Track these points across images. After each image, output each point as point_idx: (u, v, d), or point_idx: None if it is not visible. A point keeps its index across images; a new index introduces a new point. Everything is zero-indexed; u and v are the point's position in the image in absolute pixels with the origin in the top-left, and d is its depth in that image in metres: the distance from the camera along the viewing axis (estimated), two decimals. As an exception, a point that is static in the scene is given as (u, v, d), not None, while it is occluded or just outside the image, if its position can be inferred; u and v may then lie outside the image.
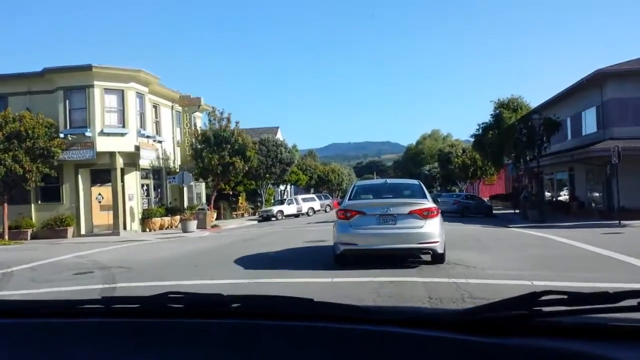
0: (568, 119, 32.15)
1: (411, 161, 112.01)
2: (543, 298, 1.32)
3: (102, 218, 27.81)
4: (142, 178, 29.91)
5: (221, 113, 32.45)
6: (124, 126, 27.46)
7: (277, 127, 64.56)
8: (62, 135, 26.26)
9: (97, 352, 1.43)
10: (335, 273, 9.94)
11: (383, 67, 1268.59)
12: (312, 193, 57.79)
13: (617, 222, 22.63)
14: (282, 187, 58.26)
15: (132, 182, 28.80)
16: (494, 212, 36.97)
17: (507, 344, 1.26)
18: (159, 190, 32.48)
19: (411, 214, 10.72)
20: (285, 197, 51.57)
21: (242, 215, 46.09)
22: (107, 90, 27.14)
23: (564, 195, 35.70)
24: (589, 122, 29.64)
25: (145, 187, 30.56)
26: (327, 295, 7.16)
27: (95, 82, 26.71)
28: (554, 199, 36.39)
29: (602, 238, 16.50)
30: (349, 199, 11.77)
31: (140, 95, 28.79)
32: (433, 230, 10.62)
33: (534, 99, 61.19)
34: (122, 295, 2.20)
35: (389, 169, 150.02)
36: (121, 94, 27.52)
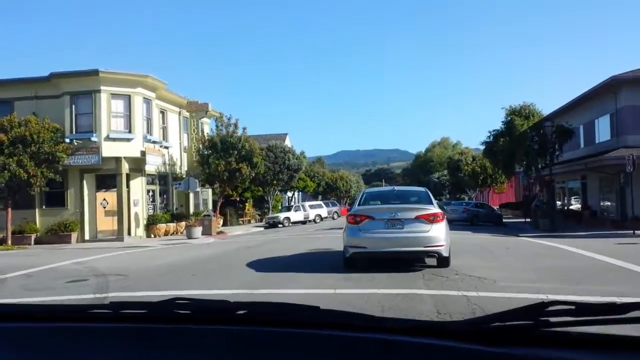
0: (581, 126, 31.58)
1: (420, 169, 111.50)
2: (551, 308, 1.31)
3: (107, 223, 27.53)
4: (147, 184, 29.66)
5: (228, 119, 32.19)
6: (130, 131, 27.23)
7: (286, 134, 64.33)
8: (67, 140, 26.06)
9: (105, 356, 1.44)
10: (338, 284, 9.53)
11: (393, 74, 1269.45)
12: (320, 200, 57.39)
13: (632, 232, 22.07)
14: (289, 194, 57.94)
15: (138, 188, 28.55)
16: (504, 220, 36.38)
17: (514, 354, 1.25)
18: (164, 196, 32.19)
19: (418, 219, 11.14)
20: (292, 203, 51.17)
21: (249, 221, 45.78)
22: (114, 96, 26.95)
23: (575, 204, 35.08)
24: (603, 130, 29.07)
25: (150, 193, 30.29)
26: (329, 307, 6.71)
27: (102, 87, 26.53)
28: (566, 208, 35.75)
29: (616, 248, 15.96)
30: (358, 205, 12.31)
31: (147, 101, 28.57)
32: (438, 234, 11.05)
33: (546, 107, 60.50)
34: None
35: (397, 176, 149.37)
36: (128, 99, 27.31)
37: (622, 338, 1.30)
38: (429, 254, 11.31)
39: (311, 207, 46.50)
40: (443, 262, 11.28)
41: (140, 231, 28.49)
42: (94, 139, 26.30)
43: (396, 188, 14.82)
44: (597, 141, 29.80)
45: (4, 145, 24.10)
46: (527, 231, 25.82)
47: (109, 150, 26.49)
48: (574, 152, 31.77)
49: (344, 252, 11.68)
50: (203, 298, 1.77)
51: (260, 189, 45.45)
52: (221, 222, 36.08)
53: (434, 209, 11.51)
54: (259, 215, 47.65)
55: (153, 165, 29.28)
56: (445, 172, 70.10)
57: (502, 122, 29.83)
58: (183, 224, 30.11)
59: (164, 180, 32.00)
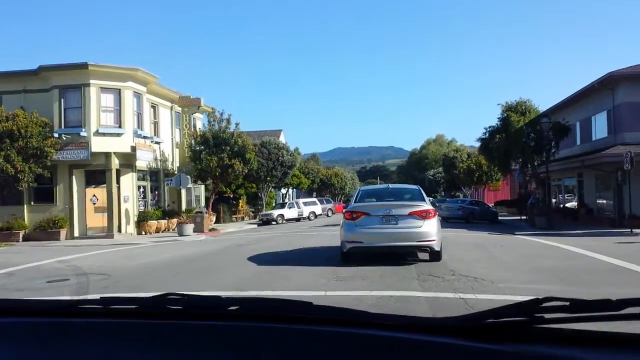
0: (577, 123, 31.26)
1: (415, 166, 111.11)
2: (545, 304, 1.30)
3: (97, 220, 27.02)
4: (138, 179, 29.14)
5: (221, 114, 31.69)
6: (120, 126, 26.71)
7: (280, 130, 63.89)
8: (56, 135, 25.55)
9: (95, 352, 1.42)
10: (330, 285, 9.10)
11: (388, 72, 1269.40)
12: (315, 197, 56.95)
13: (629, 230, 21.76)
14: (283, 191, 57.46)
15: (128, 184, 28.02)
16: (499, 218, 36.03)
17: (508, 351, 1.23)
18: (156, 192, 31.67)
19: (411, 215, 11.79)
20: (286, 200, 50.70)
21: (242, 218, 45.29)
22: (104, 89, 26.41)
23: (571, 202, 34.79)
24: (600, 127, 28.74)
25: (141, 189, 29.77)
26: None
27: (91, 81, 25.99)
28: (562, 206, 35.45)
29: (617, 248, 15.61)
30: (355, 202, 13.02)
31: (137, 95, 28.03)
32: (430, 229, 11.70)
33: (543, 103, 60.23)
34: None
35: (392, 173, 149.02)
36: (118, 93, 26.78)
37: (618, 335, 1.29)
38: (422, 248, 11.98)
39: (305, 204, 46.06)
40: (435, 255, 11.93)
41: (131, 228, 27.98)
42: (83, 133, 25.77)
43: (390, 186, 15.28)
44: (594, 138, 29.47)
45: (-10, 139, 23.57)
46: (524, 229, 25.48)
47: (98, 145, 25.97)
48: (570, 149, 31.45)
49: (341, 246, 12.21)
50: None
51: (254, 185, 44.98)
52: (214, 219, 35.56)
53: (426, 205, 12.17)
54: (252, 212, 47.17)
55: (144, 160, 28.74)
56: (440, 169, 69.71)
57: (498, 118, 29.44)
58: (175, 220, 29.59)
59: (156, 176, 31.47)
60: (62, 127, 25.95)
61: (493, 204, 47.51)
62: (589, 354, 1.22)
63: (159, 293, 1.72)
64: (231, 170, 30.35)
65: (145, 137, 28.67)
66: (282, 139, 57.04)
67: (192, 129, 33.46)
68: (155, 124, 31.55)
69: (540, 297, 1.34)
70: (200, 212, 30.27)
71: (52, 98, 26.11)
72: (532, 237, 20.56)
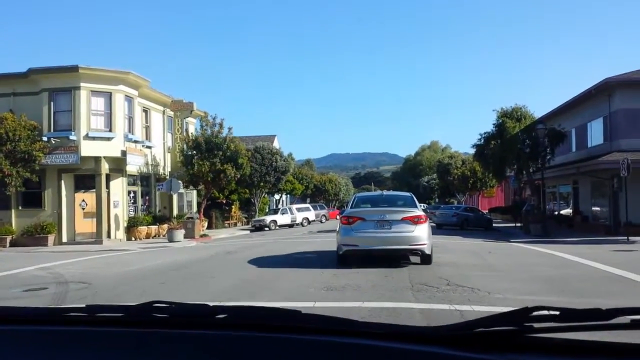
0: (573, 130, 31.04)
1: (409, 172, 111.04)
2: (535, 313, 1.30)
3: (86, 225, 26.55)
4: (129, 184, 28.67)
5: (213, 118, 31.24)
6: (110, 130, 26.28)
7: (274, 136, 63.57)
8: (45, 139, 25.10)
9: None
10: (319, 295, 8.71)
11: (383, 78, 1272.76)
12: (308, 203, 56.56)
13: (626, 238, 21.54)
14: (277, 197, 57.04)
15: (118, 189, 27.56)
16: (494, 225, 35.75)
17: None
18: (147, 197, 31.21)
19: (403, 220, 12.51)
20: (280, 206, 50.30)
21: (235, 224, 44.85)
22: (94, 93, 26.01)
23: (566, 209, 34.55)
24: (595, 134, 28.52)
25: (132, 194, 29.31)
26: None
27: (82, 84, 25.59)
28: (556, 213, 35.20)
29: (614, 256, 15.30)
30: (350, 207, 13.77)
31: (129, 99, 27.63)
32: (422, 234, 12.47)
33: (538, 110, 59.94)
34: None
35: (387, 180, 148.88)
36: (109, 96, 26.37)
37: (608, 344, 1.27)
38: (414, 252, 12.71)
39: (298, 210, 45.66)
40: (426, 259, 12.69)
41: (121, 234, 27.51)
42: (72, 137, 25.34)
43: (384, 193, 16.74)
44: (589, 145, 29.24)
45: (-23, 143, 23.13)
46: (519, 236, 25.19)
47: (88, 149, 25.53)
48: (566, 156, 31.22)
49: (338, 249, 12.96)
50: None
51: (247, 191, 44.57)
52: (206, 224, 35.12)
53: (418, 211, 12.99)
54: (245, 218, 46.75)
55: (134, 165, 28.33)
56: (435, 175, 69.58)
57: (494, 124, 29.17)
58: (166, 226, 29.13)
59: (147, 181, 31.03)
60: (52, 130, 25.52)
61: (487, 211, 47.30)
62: None
63: (145, 301, 1.67)
64: (223, 176, 29.90)
65: (136, 142, 28.26)
66: (276, 144, 56.69)
67: (185, 134, 33.02)
68: (147, 128, 31.14)
69: (529, 307, 1.32)
70: (192, 218, 29.87)
71: (41, 101, 25.69)
72: (528, 244, 20.26)
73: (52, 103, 25.73)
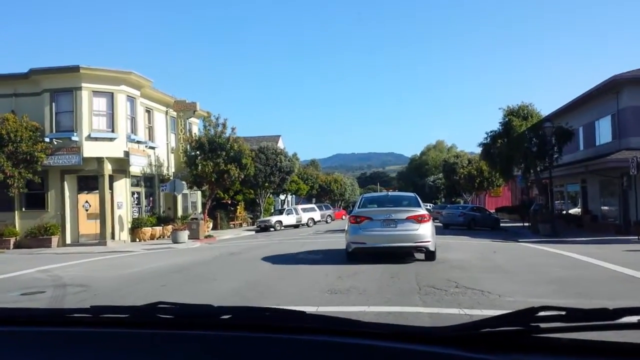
0: (580, 128, 30.61)
1: (415, 172, 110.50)
2: (541, 314, 1.29)
3: (89, 227, 26.35)
4: (132, 185, 28.45)
5: (217, 119, 30.97)
6: (113, 131, 26.05)
7: (279, 136, 63.25)
8: (47, 140, 24.91)
9: None
10: (323, 299, 8.40)
11: (388, 78, 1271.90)
12: (314, 203, 56.25)
13: (636, 237, 21.15)
14: (282, 197, 56.77)
15: (122, 190, 27.36)
16: (501, 225, 35.34)
17: None
18: (150, 198, 30.99)
19: (408, 219, 13.24)
20: (285, 207, 50.01)
21: (240, 225, 44.60)
22: (96, 93, 25.79)
23: (574, 209, 34.12)
24: (604, 132, 28.10)
25: (135, 195, 29.08)
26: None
27: (83, 84, 25.38)
28: (565, 212, 34.78)
29: (626, 256, 14.91)
30: (358, 208, 14.55)
31: (131, 99, 27.40)
32: (426, 232, 13.21)
33: (545, 108, 59.36)
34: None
35: (392, 180, 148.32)
36: (111, 97, 26.14)
37: (614, 344, 1.26)
38: (418, 249, 13.46)
39: (304, 210, 45.33)
40: (430, 255, 13.47)
41: (125, 235, 27.30)
42: (74, 138, 25.13)
43: (390, 193, 17.72)
44: (597, 143, 28.82)
45: (-21, 144, 22.97)
46: (527, 236, 24.80)
47: (90, 150, 25.32)
48: (573, 154, 30.81)
49: (347, 247, 13.79)
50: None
51: (252, 191, 44.32)
52: (210, 225, 34.88)
53: (422, 211, 13.72)
54: (251, 218, 46.48)
55: (138, 166, 28.10)
56: (441, 175, 69.12)
57: (500, 123, 28.77)
58: (170, 227, 28.88)
59: (150, 182, 30.81)
60: (53, 131, 25.32)
61: (494, 211, 46.88)
62: None
63: (149, 302, 1.64)
64: (227, 176, 29.62)
65: (139, 142, 28.03)
66: (281, 144, 56.41)
67: (188, 134, 32.79)
68: (150, 129, 30.91)
69: (535, 306, 1.30)
70: (196, 219, 29.59)
71: (43, 102, 25.50)
72: (537, 244, 19.88)
73: (53, 104, 25.53)
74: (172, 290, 10.04)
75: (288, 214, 42.78)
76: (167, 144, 33.08)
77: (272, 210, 47.92)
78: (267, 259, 15.55)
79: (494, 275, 10.97)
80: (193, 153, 30.22)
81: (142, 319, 1.62)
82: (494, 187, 51.56)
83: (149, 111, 30.70)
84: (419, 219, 13.25)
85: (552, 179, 27.73)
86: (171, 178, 31.34)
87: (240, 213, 45.51)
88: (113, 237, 26.24)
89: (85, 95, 25.36)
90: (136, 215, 28.75)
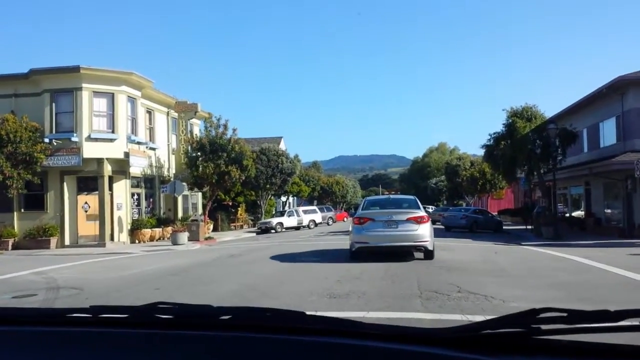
0: (584, 130, 30.35)
1: (417, 174, 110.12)
2: (542, 315, 1.29)
3: (89, 228, 26.14)
4: (132, 186, 28.27)
5: (218, 120, 30.77)
6: (113, 131, 25.87)
7: (281, 137, 63.10)
8: (47, 140, 24.73)
9: None
10: (321, 304, 8.18)
11: (389, 80, 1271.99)
12: (315, 205, 56.02)
13: (641, 241, 20.85)
14: (283, 199, 56.55)
15: (122, 191, 27.16)
16: (503, 227, 35.06)
17: None
18: (151, 199, 30.80)
19: (408, 220, 14.10)
20: (286, 208, 49.80)
21: (241, 226, 44.40)
22: (96, 94, 25.62)
23: (577, 211, 33.83)
24: (608, 134, 27.82)
25: (135, 196, 28.90)
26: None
27: (84, 85, 25.22)
28: (568, 215, 34.49)
29: (631, 260, 14.64)
30: (361, 210, 15.43)
31: (132, 100, 27.23)
32: (425, 232, 14.06)
33: (548, 110, 58.85)
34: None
35: (394, 182, 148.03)
36: (111, 97, 25.96)
37: (616, 346, 1.25)
38: (417, 248, 14.30)
39: (305, 212, 45.10)
40: (428, 254, 14.30)
41: (124, 236, 27.10)
42: (74, 139, 24.96)
43: (391, 196, 18.92)
44: (602, 145, 28.54)
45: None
46: (530, 239, 24.53)
47: (90, 151, 25.14)
48: (577, 156, 30.54)
49: (351, 247, 14.63)
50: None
51: (253, 193, 44.10)
52: (211, 227, 34.67)
53: (421, 212, 14.57)
54: (252, 220, 46.26)
55: (138, 167, 27.90)
56: (443, 177, 68.81)
57: (503, 124, 28.43)
58: (170, 229, 28.66)
59: (151, 183, 30.62)
60: (53, 132, 25.15)
61: (497, 213, 46.59)
62: None
63: (149, 302, 1.62)
64: (228, 177, 29.40)
65: (139, 143, 27.84)
66: (283, 146, 56.25)
67: (189, 135, 32.59)
68: (151, 130, 30.73)
69: (537, 308, 1.29)
70: (196, 220, 29.38)
71: (43, 102, 25.35)
72: (540, 247, 19.62)
73: (53, 104, 25.37)
74: (168, 293, 9.82)
75: (289, 215, 42.57)
76: (168, 145, 32.90)
77: (274, 212, 47.72)
78: (266, 261, 15.37)
79: (497, 280, 10.74)
80: (194, 154, 30.03)
81: (142, 319, 1.60)
82: (497, 189, 51.24)
83: (149, 112, 30.52)
84: (419, 220, 14.08)
85: (555, 182, 27.45)
86: (172, 179, 31.16)
87: (241, 215, 45.31)
88: (112, 239, 26.05)
89: (85, 95, 25.19)
90: (136, 216, 28.56)
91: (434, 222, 41.96)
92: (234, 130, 30.52)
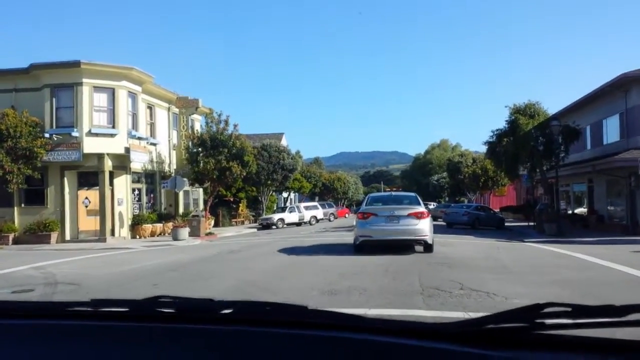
0: (587, 127, 30.16)
1: (419, 171, 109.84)
2: (546, 310, 1.28)
3: (89, 223, 26.08)
4: (133, 182, 28.19)
5: (219, 115, 30.65)
6: (113, 127, 25.76)
7: (282, 134, 62.96)
8: (47, 135, 24.63)
9: (84, 355, 1.40)
10: (322, 301, 8.06)
11: (393, 77, 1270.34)
12: (317, 201, 55.93)
13: (645, 238, 20.72)
14: (285, 195, 56.44)
15: (122, 186, 27.07)
16: (506, 224, 34.93)
17: (507, 357, 1.22)
18: (152, 195, 30.71)
19: (409, 216, 14.97)
20: (288, 204, 49.70)
21: (243, 222, 44.32)
22: (97, 89, 25.49)
23: (579, 208, 33.69)
24: (611, 131, 27.65)
25: (136, 192, 28.81)
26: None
27: (84, 80, 25.10)
28: (570, 212, 34.34)
29: (634, 257, 14.47)
30: (365, 205, 16.37)
31: (132, 95, 27.11)
32: (424, 227, 14.92)
33: (551, 107, 58.48)
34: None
35: (396, 178, 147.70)
36: (112, 92, 25.85)
37: (620, 341, 1.24)
38: (417, 242, 15.20)
39: (306, 208, 45.02)
40: (428, 248, 15.18)
41: (125, 232, 27.02)
42: (74, 134, 24.85)
43: (393, 193, 20.38)
44: (605, 142, 28.38)
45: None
46: (532, 236, 24.41)
47: (90, 146, 25.03)
48: (580, 154, 30.37)
49: (355, 240, 15.67)
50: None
51: (255, 189, 44.01)
52: (212, 222, 34.59)
53: (421, 208, 15.51)
54: (253, 216, 46.18)
55: (138, 162, 27.81)
56: (445, 174, 68.66)
57: (506, 121, 28.27)
58: (171, 224, 28.58)
59: (151, 179, 30.53)
60: (54, 127, 25.05)
61: (499, 210, 46.45)
62: None
63: (150, 296, 1.60)
64: (229, 173, 29.29)
65: (140, 138, 27.74)
66: (284, 142, 56.08)
67: (190, 131, 32.48)
68: (152, 125, 30.63)
69: (540, 303, 1.28)
70: (197, 216, 29.33)
71: (43, 97, 25.25)
72: (543, 244, 19.50)
73: (54, 99, 25.27)
74: (167, 288, 9.72)
75: (290, 211, 42.50)
76: (169, 140, 32.80)
77: (275, 208, 47.64)
78: (267, 257, 15.30)
79: (499, 276, 10.62)
80: (195, 150, 29.94)
81: (142, 312, 1.60)
82: (499, 186, 51.09)
83: (150, 107, 30.42)
84: (419, 216, 14.96)
85: (558, 179, 27.31)
86: (172, 175, 31.07)
87: (242, 210, 45.23)
88: (113, 234, 25.97)
89: (86, 90, 25.07)
90: (137, 212, 28.49)
91: (435, 219, 41.89)
92: (235, 126, 30.43)
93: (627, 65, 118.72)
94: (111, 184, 26.18)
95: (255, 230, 36.81)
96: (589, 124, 30.20)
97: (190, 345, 1.39)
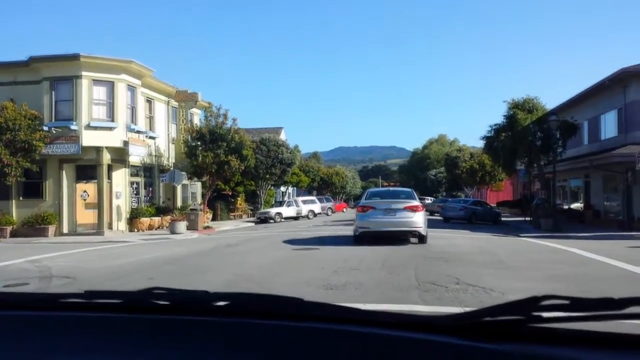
0: (585, 122, 30.24)
1: (417, 166, 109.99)
2: (543, 303, 1.26)
3: (87, 217, 26.09)
4: (131, 175, 28.17)
5: (218, 109, 30.65)
6: (112, 120, 25.73)
7: (281, 128, 62.88)
8: (45, 128, 24.61)
9: (77, 346, 1.39)
10: (318, 295, 8.12)
11: (391, 72, 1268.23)
12: (314, 195, 55.98)
13: (640, 234, 20.82)
14: (283, 189, 56.48)
15: (120, 180, 27.07)
16: (502, 219, 35.04)
17: (503, 350, 1.21)
18: (150, 188, 30.72)
19: (405, 209, 16.18)
20: (286, 199, 49.76)
21: (241, 216, 44.36)
22: (96, 82, 25.45)
23: (575, 203, 33.80)
24: (609, 126, 27.74)
25: (134, 185, 28.82)
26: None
27: (83, 73, 25.05)
28: (567, 207, 34.45)
29: (631, 253, 14.57)
30: (364, 200, 17.88)
31: (131, 88, 27.07)
32: (419, 219, 16.19)
33: (549, 102, 58.36)
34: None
35: (394, 173, 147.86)
36: (111, 85, 25.81)
37: (618, 335, 1.24)
38: (412, 233, 16.47)
39: (304, 202, 45.11)
40: (422, 239, 16.43)
41: (122, 225, 27.04)
42: (73, 127, 24.83)
43: (390, 188, 22.78)
44: (602, 137, 28.47)
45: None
46: (529, 231, 24.50)
47: (89, 139, 25.02)
48: (577, 149, 30.46)
49: (354, 232, 16.91)
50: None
51: (253, 183, 44.05)
52: (210, 216, 34.62)
53: (416, 202, 16.83)
54: (251, 210, 46.23)
55: (137, 156, 27.80)
56: (442, 169, 68.75)
57: (504, 115, 28.30)
58: (169, 218, 28.61)
59: (150, 172, 30.53)
60: (53, 120, 25.03)
61: (495, 205, 46.59)
62: (587, 354, 1.19)
63: (144, 287, 1.59)
64: (227, 167, 29.32)
65: (138, 132, 27.73)
66: (283, 136, 56.04)
67: (189, 124, 32.48)
68: (151, 119, 30.61)
69: (537, 296, 1.25)
70: (195, 210, 29.37)
71: (42, 90, 25.20)
72: (539, 239, 19.58)
73: (53, 92, 25.24)
74: (163, 281, 9.72)
75: (288, 205, 42.57)
76: (168, 134, 32.79)
77: (273, 202, 47.68)
78: (263, 251, 15.35)
79: (496, 272, 10.69)
80: (193, 144, 29.91)
81: (137, 304, 1.58)
82: (496, 181, 51.21)
83: (149, 101, 30.39)
84: (414, 209, 16.18)
85: (555, 174, 27.40)
86: (171, 168, 31.08)
87: (240, 204, 45.26)
88: (110, 227, 26.00)
89: (85, 83, 25.04)
90: (135, 205, 28.49)
91: (432, 214, 41.90)
92: (234, 120, 30.46)
93: (627, 59, 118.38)
94: (109, 177, 26.18)
95: (252, 224, 36.86)
96: (587, 119, 30.28)
97: (185, 336, 1.39)
